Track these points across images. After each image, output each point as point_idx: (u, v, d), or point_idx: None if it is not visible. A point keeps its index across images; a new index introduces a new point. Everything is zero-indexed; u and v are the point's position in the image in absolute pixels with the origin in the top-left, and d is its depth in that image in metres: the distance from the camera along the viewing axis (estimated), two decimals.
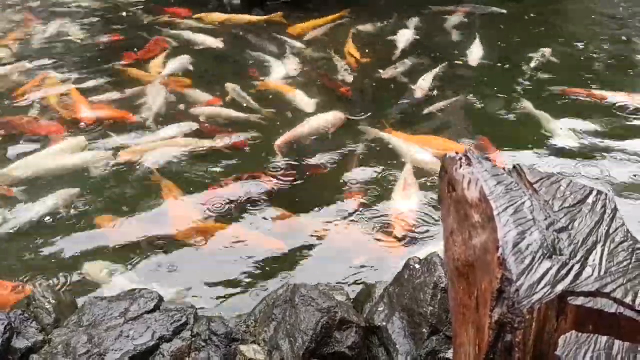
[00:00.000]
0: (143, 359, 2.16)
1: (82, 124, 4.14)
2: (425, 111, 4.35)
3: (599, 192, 1.39)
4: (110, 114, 4.30)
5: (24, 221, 3.30)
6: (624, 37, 5.68)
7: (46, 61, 5.11)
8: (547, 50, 5.18)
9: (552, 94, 4.58)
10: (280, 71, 4.87)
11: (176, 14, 5.86)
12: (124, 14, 6.04)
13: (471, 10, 6.06)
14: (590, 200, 1.36)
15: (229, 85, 4.60)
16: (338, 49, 5.22)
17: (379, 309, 2.31)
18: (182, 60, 5.05)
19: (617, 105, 4.39)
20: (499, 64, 5.10)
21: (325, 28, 5.66)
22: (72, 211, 3.37)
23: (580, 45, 5.42)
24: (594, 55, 5.28)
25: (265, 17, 5.82)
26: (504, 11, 5.98)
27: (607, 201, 1.37)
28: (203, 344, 2.21)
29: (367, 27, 5.73)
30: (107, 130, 4.12)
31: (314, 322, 2.16)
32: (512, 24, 5.87)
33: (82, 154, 3.86)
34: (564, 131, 4.05)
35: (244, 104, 4.43)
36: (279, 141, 3.97)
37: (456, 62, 5.10)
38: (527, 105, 4.36)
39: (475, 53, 5.10)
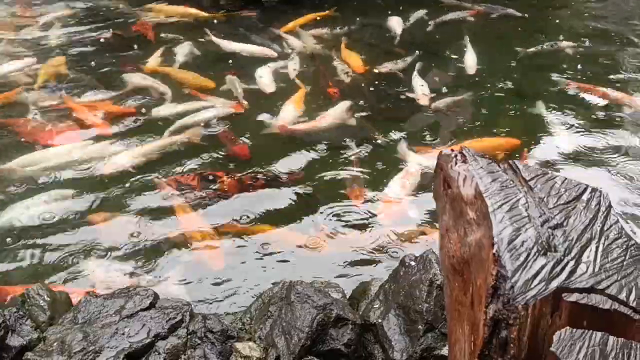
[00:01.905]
0: (139, 357, 2.16)
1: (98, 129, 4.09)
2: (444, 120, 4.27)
3: (594, 190, 1.40)
4: (118, 111, 4.28)
5: (17, 220, 3.29)
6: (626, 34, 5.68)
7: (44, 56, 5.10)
8: (564, 44, 5.17)
9: (559, 89, 4.59)
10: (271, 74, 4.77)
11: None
12: (121, 8, 6.00)
13: (486, 10, 5.96)
14: (585, 197, 1.37)
15: (229, 78, 4.61)
16: (337, 47, 5.17)
17: (375, 306, 2.31)
18: (186, 50, 5.08)
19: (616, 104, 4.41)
20: (497, 64, 5.06)
21: (321, 25, 5.64)
22: (67, 210, 3.37)
23: (581, 41, 5.41)
24: (598, 50, 5.27)
25: (212, 14, 5.77)
26: (519, 14, 5.86)
27: (602, 198, 1.37)
28: (199, 341, 2.20)
29: (366, 24, 5.71)
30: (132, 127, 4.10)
31: (310, 319, 2.16)
32: (512, 23, 5.83)
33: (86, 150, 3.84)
34: (565, 132, 4.05)
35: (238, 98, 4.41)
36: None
37: (453, 56, 5.09)
38: (537, 104, 4.35)
39: (471, 52, 5.04)
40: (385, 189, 3.50)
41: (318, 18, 5.69)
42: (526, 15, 5.89)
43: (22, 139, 3.98)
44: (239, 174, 3.59)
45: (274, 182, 3.57)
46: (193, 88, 4.54)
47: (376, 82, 4.75)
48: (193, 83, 4.60)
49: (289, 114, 4.19)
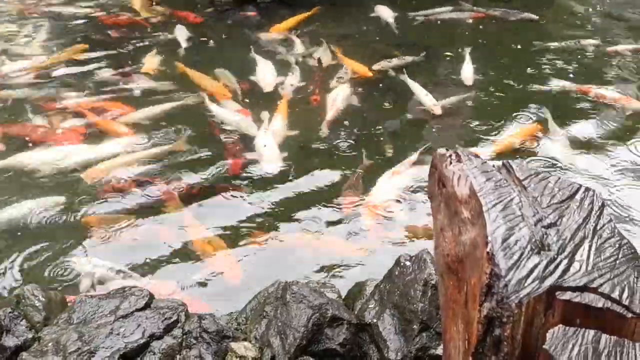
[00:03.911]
0: (134, 357, 2.16)
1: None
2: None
3: (587, 189, 1.41)
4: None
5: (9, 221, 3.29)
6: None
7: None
8: (587, 41, 5.17)
9: (558, 92, 4.60)
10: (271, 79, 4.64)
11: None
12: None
13: (501, 15, 5.88)
14: (578, 197, 1.37)
15: (218, 71, 4.61)
16: (337, 51, 5.10)
17: (370, 306, 2.32)
18: (184, 33, 5.11)
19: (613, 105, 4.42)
20: (502, 67, 5.04)
21: (316, 27, 5.63)
22: (60, 212, 3.36)
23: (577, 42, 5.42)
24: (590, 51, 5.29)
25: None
26: (536, 17, 5.82)
27: (595, 198, 1.38)
28: (194, 341, 2.21)
29: (363, 24, 5.69)
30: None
31: (305, 319, 2.17)
32: (511, 26, 5.82)
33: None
34: (563, 135, 4.06)
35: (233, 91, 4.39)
36: (329, 119, 4.04)
37: (447, 56, 5.07)
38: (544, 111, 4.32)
39: (469, 62, 4.90)
40: (372, 191, 3.50)
41: (306, 18, 5.68)
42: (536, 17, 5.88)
43: (28, 140, 3.96)
44: (179, 183, 3.56)
45: (213, 189, 3.51)
46: (209, 93, 4.45)
47: (381, 85, 4.70)
48: (209, 89, 4.50)
49: (278, 128, 4.08)
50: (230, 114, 4.22)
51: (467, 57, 4.96)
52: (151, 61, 4.93)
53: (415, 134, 4.17)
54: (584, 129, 4.18)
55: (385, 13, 5.64)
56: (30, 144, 3.93)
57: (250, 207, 3.43)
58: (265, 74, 4.69)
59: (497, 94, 4.64)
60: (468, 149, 1.50)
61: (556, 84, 4.68)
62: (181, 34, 5.24)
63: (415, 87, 4.53)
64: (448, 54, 5.07)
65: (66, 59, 4.90)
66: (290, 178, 3.63)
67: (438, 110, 4.28)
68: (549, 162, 3.79)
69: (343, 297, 2.49)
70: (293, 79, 4.65)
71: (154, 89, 4.56)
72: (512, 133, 4.07)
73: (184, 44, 5.08)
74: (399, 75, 4.73)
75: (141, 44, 5.26)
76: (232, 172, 3.69)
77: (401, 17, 5.73)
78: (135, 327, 2.22)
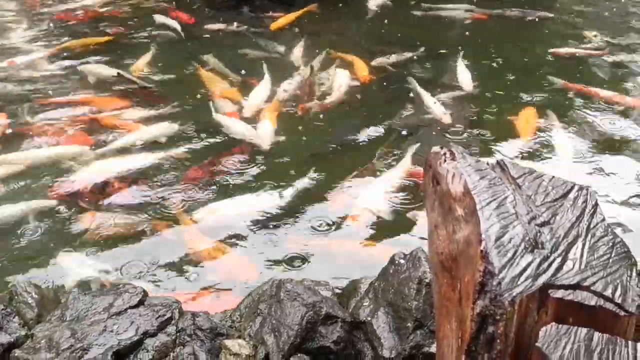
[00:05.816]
0: (127, 354, 2.15)
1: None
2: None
3: (581, 188, 1.41)
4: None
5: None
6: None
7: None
8: (597, 39, 5.20)
9: (554, 89, 4.59)
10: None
11: (179, 18, 5.72)
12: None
13: (518, 14, 5.85)
14: (572, 195, 1.38)
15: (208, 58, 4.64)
16: (336, 52, 5.07)
17: (364, 304, 2.32)
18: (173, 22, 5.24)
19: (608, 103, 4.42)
20: (494, 66, 5.03)
21: (314, 27, 5.62)
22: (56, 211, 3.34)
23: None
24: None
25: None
26: (551, 15, 5.84)
27: (589, 196, 1.39)
28: (188, 339, 2.20)
29: (362, 23, 5.70)
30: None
31: (299, 317, 2.16)
32: (512, 25, 5.80)
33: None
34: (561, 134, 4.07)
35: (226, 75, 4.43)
36: (326, 103, 4.06)
37: (441, 51, 5.05)
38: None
39: (465, 69, 4.81)
40: (360, 197, 3.48)
41: (304, 13, 5.69)
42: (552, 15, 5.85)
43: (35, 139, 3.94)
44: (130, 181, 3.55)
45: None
46: (218, 95, 4.39)
47: (384, 83, 4.65)
48: (220, 90, 4.44)
49: (267, 130, 4.02)
50: (228, 120, 4.13)
51: (464, 62, 4.90)
52: (143, 60, 4.92)
53: (413, 134, 4.15)
54: (585, 128, 4.18)
55: (376, 2, 5.68)
56: (38, 142, 3.92)
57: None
58: (252, 98, 4.43)
59: (496, 94, 4.64)
60: (462, 147, 1.50)
61: (557, 85, 4.68)
62: (168, 22, 5.30)
63: (423, 94, 4.45)
64: (443, 51, 5.06)
65: (77, 51, 4.96)
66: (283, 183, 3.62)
67: (447, 120, 4.19)
68: (549, 161, 3.79)
69: (337, 294, 2.49)
70: (288, 85, 4.53)
71: (148, 88, 4.55)
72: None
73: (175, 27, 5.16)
74: (403, 80, 4.67)
75: (138, 41, 5.25)
76: (190, 176, 3.62)
77: (400, 14, 5.73)
78: (129, 324, 2.21)
